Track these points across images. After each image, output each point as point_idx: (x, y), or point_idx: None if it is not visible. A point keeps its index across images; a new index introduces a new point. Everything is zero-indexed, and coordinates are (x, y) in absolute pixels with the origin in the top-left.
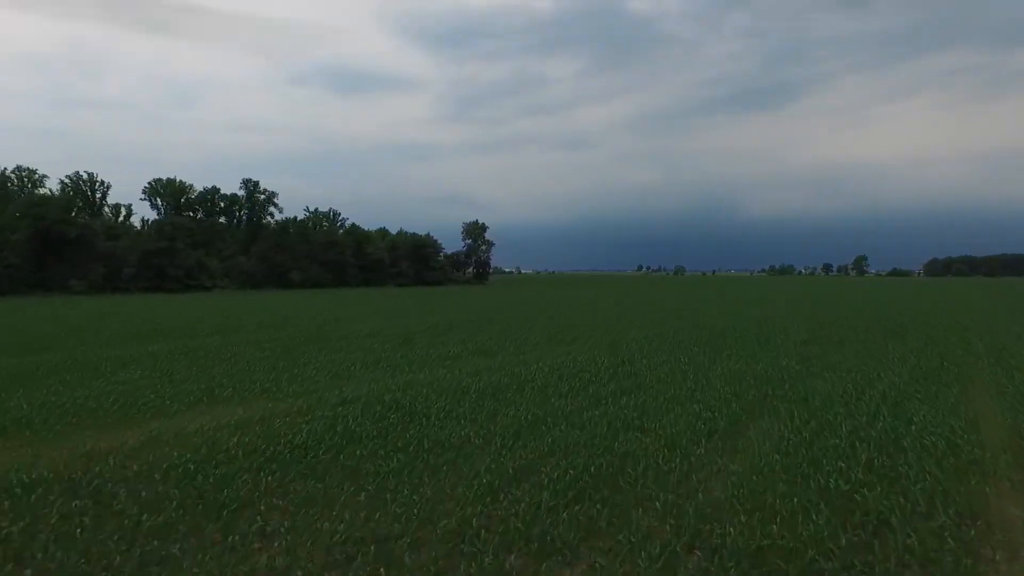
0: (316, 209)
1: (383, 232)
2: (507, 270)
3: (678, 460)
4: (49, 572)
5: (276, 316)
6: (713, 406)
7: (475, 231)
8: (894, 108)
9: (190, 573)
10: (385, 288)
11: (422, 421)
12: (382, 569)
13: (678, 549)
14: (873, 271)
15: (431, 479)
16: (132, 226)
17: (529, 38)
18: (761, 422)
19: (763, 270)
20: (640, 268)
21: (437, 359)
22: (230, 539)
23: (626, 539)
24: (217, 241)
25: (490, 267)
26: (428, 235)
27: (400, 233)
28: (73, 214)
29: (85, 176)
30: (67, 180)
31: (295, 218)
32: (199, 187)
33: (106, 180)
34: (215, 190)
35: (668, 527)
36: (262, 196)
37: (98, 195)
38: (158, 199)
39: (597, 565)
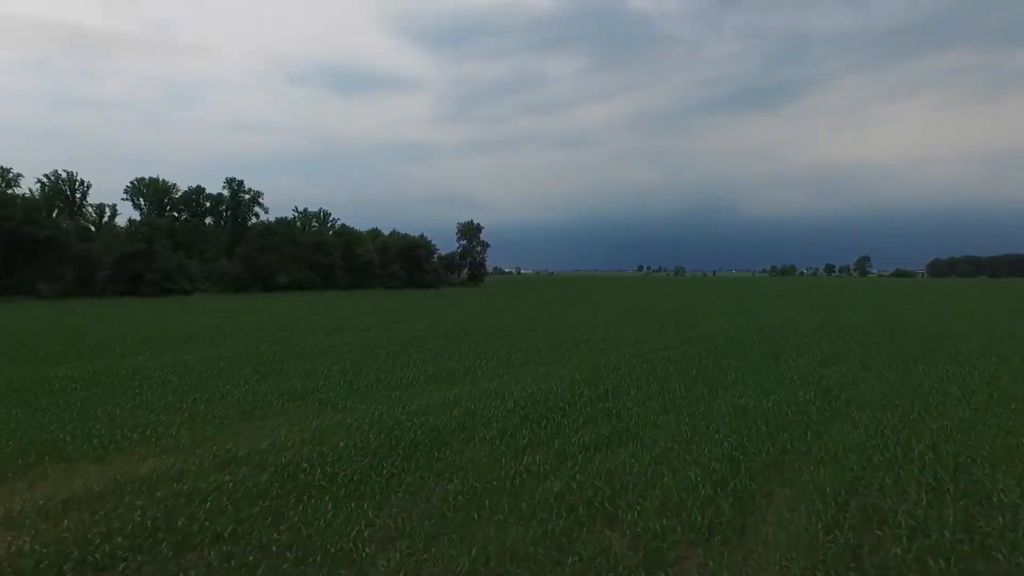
0: (305, 209)
1: (374, 233)
2: (507, 270)
3: None
4: None
5: (224, 327)
6: (713, 472)
7: (470, 231)
8: (894, 108)
9: None
10: (374, 291)
11: (305, 503)
12: None
13: None
14: (875, 272)
15: None
16: (116, 226)
17: (529, 37)
18: (779, 503)
19: (764, 270)
20: (640, 268)
21: (384, 389)
22: None
23: None
24: (200, 243)
25: (485, 268)
26: (421, 236)
27: (392, 234)
28: (54, 214)
29: (64, 175)
30: (45, 179)
31: (282, 218)
32: (197, 187)
33: (86, 179)
34: (200, 190)
35: None
36: (247, 196)
37: (78, 195)
38: (141, 199)
39: None
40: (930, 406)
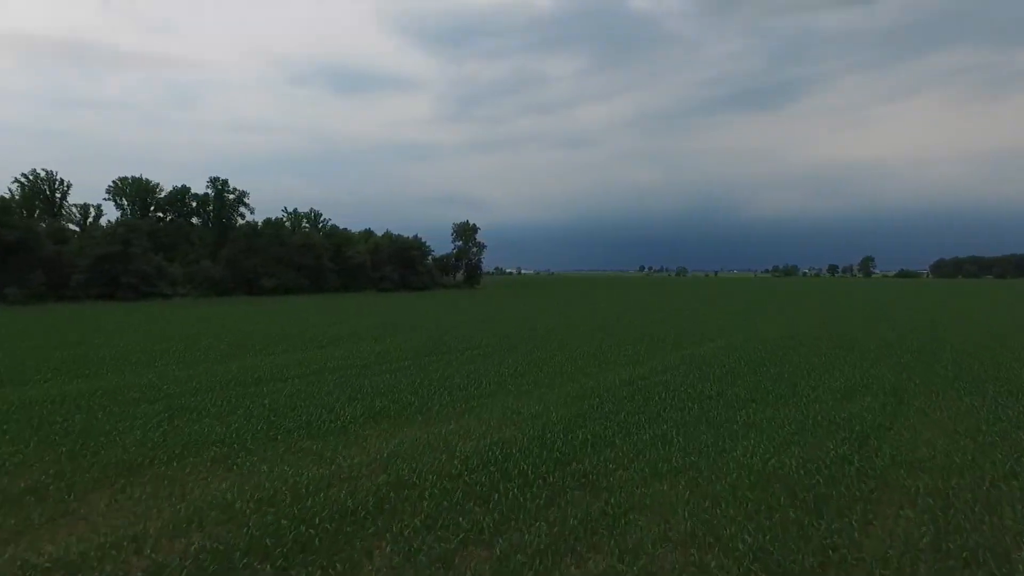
0: (295, 210)
1: (367, 233)
2: (508, 271)
3: None
4: None
5: (173, 339)
6: None
7: (466, 232)
8: (894, 108)
9: None
10: (363, 295)
11: None
12: None
13: None
14: (879, 272)
15: None
16: (100, 226)
17: (529, 36)
18: None
19: (766, 271)
20: (642, 268)
21: (309, 435)
22: None
23: None
24: (183, 244)
25: (481, 270)
26: (416, 237)
27: (385, 235)
28: (36, 214)
29: (43, 174)
30: (23, 179)
31: (270, 219)
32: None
33: (66, 179)
34: (185, 190)
35: None
36: (231, 196)
37: (58, 195)
38: (123, 199)
39: None
40: (999, 464)
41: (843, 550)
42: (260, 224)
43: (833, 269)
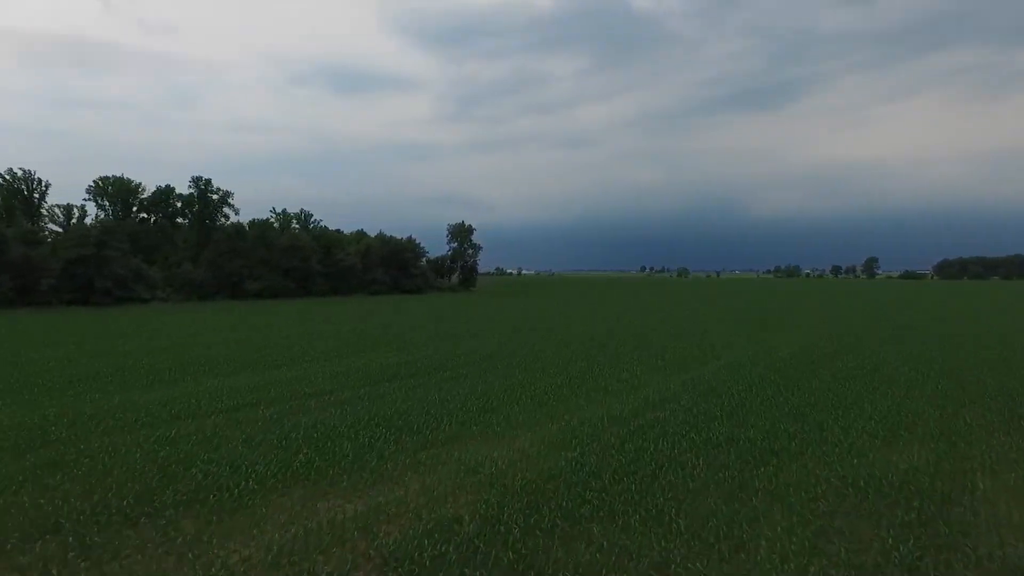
0: (284, 210)
1: (358, 235)
2: (509, 271)
3: None
4: None
5: (108, 355)
6: None
7: (461, 233)
8: (894, 108)
9: None
10: (352, 299)
11: None
12: None
13: None
14: (883, 273)
15: None
16: (84, 226)
17: (530, 36)
18: None
19: (768, 271)
20: (643, 269)
21: (181, 523)
22: None
23: None
24: (166, 246)
25: (477, 271)
26: (410, 238)
27: (378, 236)
28: (16, 215)
29: (20, 173)
30: (0, 179)
31: (256, 219)
32: (167, 187)
33: (44, 179)
34: (170, 190)
35: None
36: (215, 196)
37: (35, 195)
38: (104, 199)
39: None
40: None
41: None
42: (246, 225)
43: (836, 270)
